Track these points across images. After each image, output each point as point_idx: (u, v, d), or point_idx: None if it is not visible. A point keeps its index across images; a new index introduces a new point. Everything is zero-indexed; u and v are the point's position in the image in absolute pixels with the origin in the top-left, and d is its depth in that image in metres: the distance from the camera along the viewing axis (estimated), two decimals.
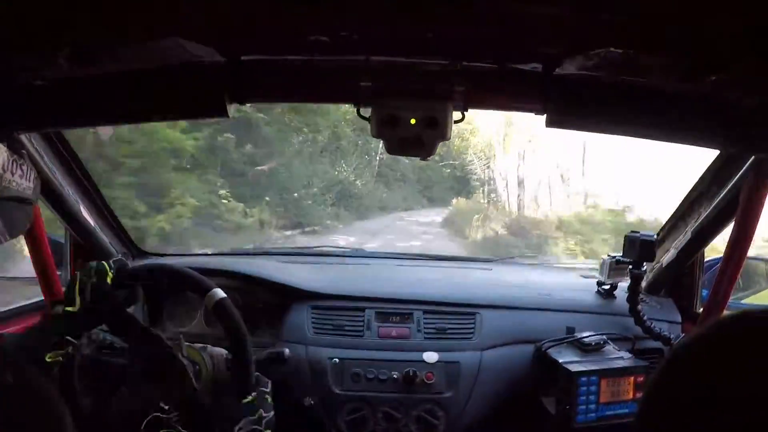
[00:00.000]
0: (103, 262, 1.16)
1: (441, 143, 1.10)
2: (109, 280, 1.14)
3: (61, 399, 0.91)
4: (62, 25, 0.82)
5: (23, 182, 1.03)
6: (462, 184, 17.85)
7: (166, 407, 1.15)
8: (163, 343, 1.16)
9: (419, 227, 12.34)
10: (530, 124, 11.15)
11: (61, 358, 1.08)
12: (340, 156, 14.12)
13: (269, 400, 1.19)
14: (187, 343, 1.22)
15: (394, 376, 1.38)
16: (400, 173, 15.87)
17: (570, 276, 1.83)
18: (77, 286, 1.12)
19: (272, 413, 1.18)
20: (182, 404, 1.16)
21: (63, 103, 1.07)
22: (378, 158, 15.26)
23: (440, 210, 15.67)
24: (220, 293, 1.17)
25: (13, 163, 0.99)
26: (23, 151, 1.14)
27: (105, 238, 1.57)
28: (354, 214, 13.06)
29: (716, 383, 0.57)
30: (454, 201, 15.22)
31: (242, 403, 1.17)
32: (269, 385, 1.22)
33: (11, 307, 1.44)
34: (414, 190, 17.34)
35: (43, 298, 1.42)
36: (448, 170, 16.33)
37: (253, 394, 1.17)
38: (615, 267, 1.54)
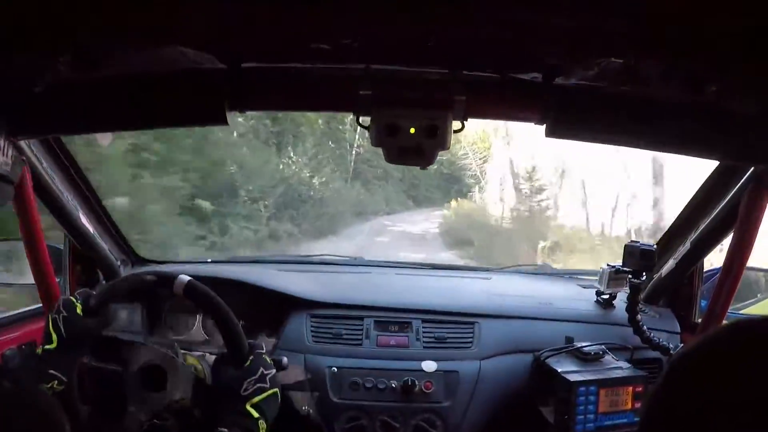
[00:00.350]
0: (70, 296, 1.17)
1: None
2: (79, 311, 1.14)
3: (60, 408, 0.92)
4: (62, 30, 0.83)
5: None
6: (451, 182, 17.41)
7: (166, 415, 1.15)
8: (155, 350, 1.15)
9: (411, 241, 10.80)
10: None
11: (55, 386, 1.08)
12: (293, 144, 11.09)
13: (268, 359, 1.18)
14: (184, 351, 1.21)
15: (393, 385, 1.38)
16: (381, 170, 14.60)
17: (569, 285, 1.82)
18: (50, 325, 1.12)
19: (274, 371, 1.17)
20: (182, 412, 1.16)
21: (62, 110, 1.07)
22: (353, 152, 13.97)
23: (428, 212, 14.88)
24: (185, 277, 1.15)
25: None
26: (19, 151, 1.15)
27: (104, 245, 1.57)
28: (311, 228, 9.82)
29: (715, 393, 0.57)
30: (453, 203, 14.61)
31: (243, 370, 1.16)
32: (264, 346, 1.21)
33: (11, 313, 1.44)
34: (398, 189, 16.15)
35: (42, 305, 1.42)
36: (435, 166, 15.61)
37: (251, 357, 1.16)
38: (614, 277, 1.54)
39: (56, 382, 1.07)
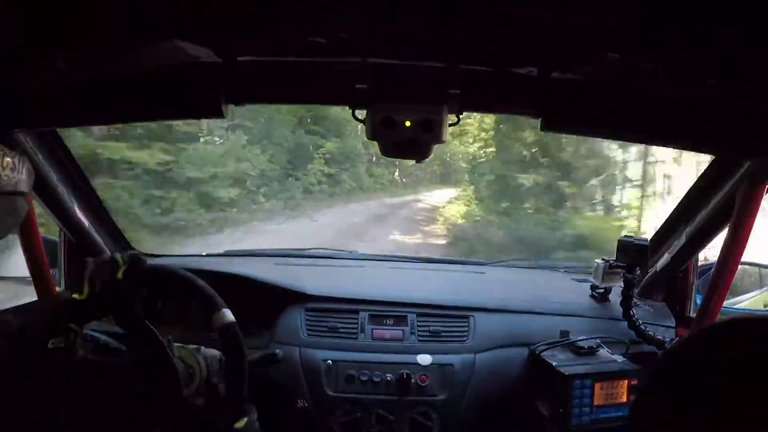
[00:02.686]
0: (118, 254, 1.14)
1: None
2: (120, 274, 1.12)
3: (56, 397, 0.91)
4: (60, 27, 0.83)
5: (15, 175, 1.02)
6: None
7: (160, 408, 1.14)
8: (161, 345, 1.15)
9: None
10: None
11: (63, 345, 1.07)
12: None
13: (257, 425, 1.19)
14: (179, 344, 1.21)
15: (388, 378, 1.38)
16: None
17: (564, 279, 1.83)
18: (87, 277, 1.11)
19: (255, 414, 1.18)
20: (175, 406, 1.16)
21: (59, 103, 1.07)
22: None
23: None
24: (230, 316, 1.14)
25: (3, 157, 0.99)
26: (16, 145, 1.14)
27: (99, 237, 1.57)
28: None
29: (707, 387, 0.58)
30: None
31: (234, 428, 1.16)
32: (255, 413, 1.21)
33: (5, 307, 1.44)
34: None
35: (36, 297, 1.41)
36: None
37: (245, 419, 1.16)
38: (608, 271, 1.54)
39: (64, 338, 1.06)
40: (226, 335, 1.14)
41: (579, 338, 1.43)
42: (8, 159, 1.00)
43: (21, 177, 1.03)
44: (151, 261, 1.60)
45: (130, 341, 1.18)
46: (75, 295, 1.09)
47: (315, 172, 12.41)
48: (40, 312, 1.13)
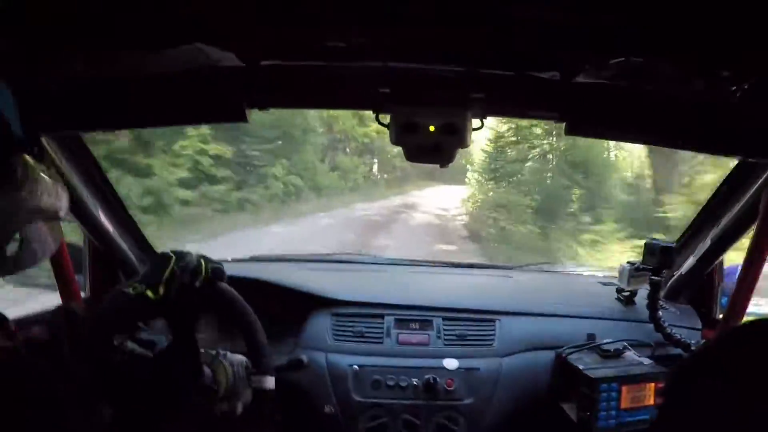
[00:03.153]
0: (202, 260, 1.15)
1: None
2: (199, 282, 1.13)
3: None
4: (83, 29, 0.82)
5: (53, 201, 1.01)
6: None
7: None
8: (199, 358, 1.16)
9: None
10: None
11: (129, 343, 1.07)
12: None
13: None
14: (204, 350, 1.21)
15: (414, 383, 1.38)
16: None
17: (590, 283, 1.82)
18: (166, 274, 1.11)
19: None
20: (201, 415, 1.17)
21: (82, 107, 1.07)
22: None
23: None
24: (271, 383, 1.16)
25: (40, 179, 0.98)
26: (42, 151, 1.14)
27: (123, 243, 1.57)
28: None
29: (733, 388, 0.57)
30: None
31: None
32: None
33: (32, 313, 1.44)
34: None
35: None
36: None
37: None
38: (634, 274, 1.53)
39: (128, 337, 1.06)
40: (261, 400, 1.16)
41: (605, 341, 1.43)
42: (47, 180, 0.98)
43: (60, 203, 1.01)
44: None
45: (162, 350, 1.18)
46: (149, 293, 1.09)
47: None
48: (111, 305, 1.12)
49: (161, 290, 1.09)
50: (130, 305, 1.09)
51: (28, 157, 0.78)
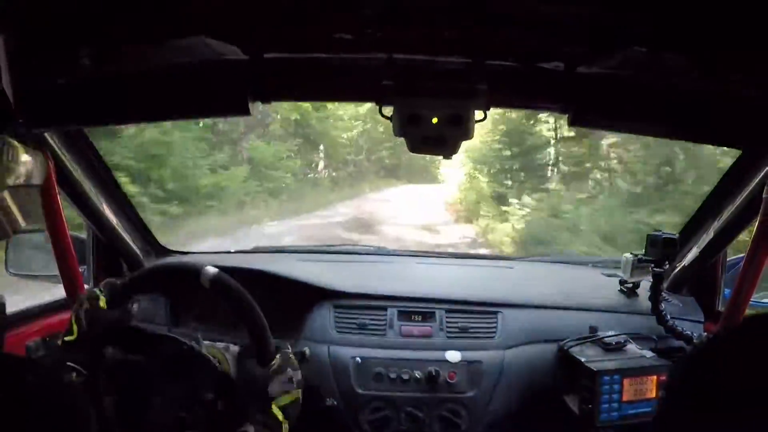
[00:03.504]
0: (94, 289, 1.18)
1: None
2: (102, 304, 1.15)
3: (86, 400, 0.92)
4: (87, 24, 0.83)
5: (28, 169, 1.04)
6: None
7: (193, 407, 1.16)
8: (179, 342, 1.16)
9: None
10: None
11: (74, 378, 1.09)
12: None
13: (294, 359, 1.19)
14: (208, 342, 1.22)
15: (417, 375, 1.38)
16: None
17: (593, 274, 1.82)
18: (73, 317, 1.14)
19: (299, 372, 1.18)
20: (209, 402, 1.17)
21: (85, 101, 1.07)
22: None
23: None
24: (212, 269, 1.15)
25: (19, 152, 1.01)
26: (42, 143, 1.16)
27: (127, 235, 1.58)
28: None
29: (738, 381, 0.57)
30: None
31: (271, 369, 1.16)
32: (290, 346, 1.23)
33: (35, 304, 1.45)
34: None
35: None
36: None
37: (277, 356, 1.16)
38: (637, 266, 1.53)
39: (75, 374, 1.08)
40: (218, 288, 1.15)
41: (607, 334, 1.43)
42: (25, 155, 1.01)
43: (35, 170, 1.04)
44: (178, 258, 1.62)
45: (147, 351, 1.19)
46: (67, 338, 1.12)
47: None
48: (41, 365, 1.16)
49: (74, 330, 1.12)
50: (58, 356, 1.13)
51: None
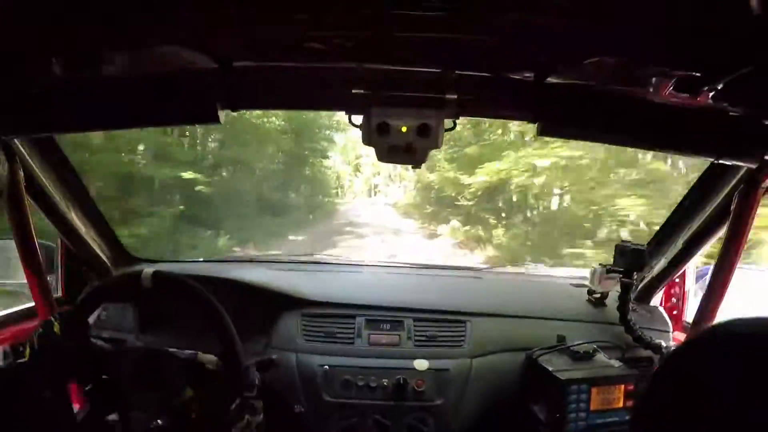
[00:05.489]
0: (51, 316, 1.19)
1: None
2: (56, 329, 1.16)
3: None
4: (58, 33, 0.83)
5: None
6: None
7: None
8: (144, 349, 1.16)
9: None
10: None
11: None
12: None
13: (257, 405, 1.19)
14: (174, 349, 1.21)
15: (384, 383, 1.38)
16: None
17: (561, 285, 1.82)
18: (28, 342, 1.16)
19: (261, 416, 1.18)
20: (176, 410, 1.16)
21: (55, 109, 1.08)
22: None
23: None
24: (149, 270, 1.16)
25: None
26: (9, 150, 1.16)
27: (95, 244, 1.57)
28: None
29: (707, 389, 0.58)
30: None
31: (230, 409, 1.17)
32: (255, 389, 1.22)
33: (2, 313, 1.44)
34: None
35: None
36: None
37: (237, 401, 1.17)
38: (605, 276, 1.54)
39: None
40: (161, 284, 1.16)
41: (575, 343, 1.43)
42: None
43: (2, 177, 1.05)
44: (146, 266, 1.61)
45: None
46: (20, 360, 1.16)
47: None
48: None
49: (27, 352, 1.15)
50: (11, 375, 1.15)
51: None
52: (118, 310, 1.52)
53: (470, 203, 10.62)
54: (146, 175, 7.86)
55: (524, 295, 1.68)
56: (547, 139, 7.21)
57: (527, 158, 8.86)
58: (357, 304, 1.54)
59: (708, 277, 1.38)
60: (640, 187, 7.35)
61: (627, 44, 0.84)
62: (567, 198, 9.08)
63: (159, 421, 1.12)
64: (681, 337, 1.54)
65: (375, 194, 30.55)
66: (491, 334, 1.49)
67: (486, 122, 9.81)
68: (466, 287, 1.78)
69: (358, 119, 1.08)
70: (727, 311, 1.35)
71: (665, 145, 1.19)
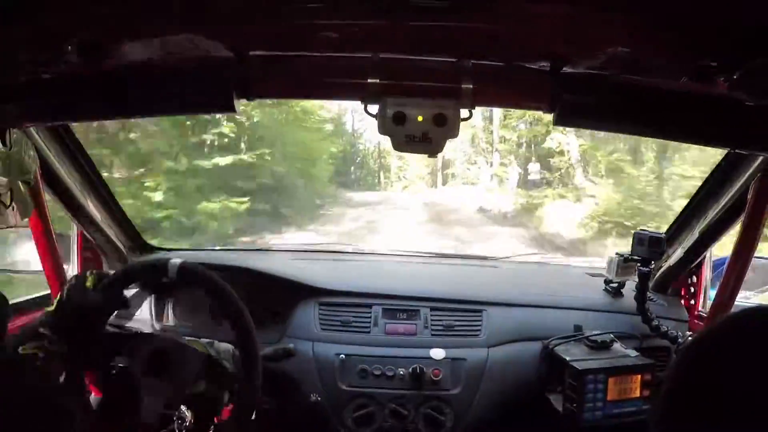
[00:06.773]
0: (87, 272, 1.19)
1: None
2: (89, 284, 1.16)
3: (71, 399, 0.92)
4: (73, 19, 0.82)
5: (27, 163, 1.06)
6: None
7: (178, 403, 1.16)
8: (160, 338, 1.16)
9: None
10: None
11: (36, 351, 1.09)
12: None
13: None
14: (191, 338, 1.22)
15: (401, 372, 1.38)
16: None
17: (578, 274, 1.82)
18: (60, 292, 1.16)
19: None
20: (194, 397, 1.17)
21: (70, 97, 1.07)
22: None
23: None
24: (177, 260, 1.17)
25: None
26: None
27: (111, 232, 1.57)
28: None
29: (727, 377, 0.57)
30: None
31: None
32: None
33: (17, 300, 1.44)
34: None
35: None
36: None
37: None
38: (623, 265, 1.53)
39: (41, 346, 1.09)
40: (187, 276, 1.17)
41: (592, 333, 1.43)
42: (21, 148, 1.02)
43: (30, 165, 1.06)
44: (162, 255, 1.62)
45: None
46: (47, 308, 1.13)
47: None
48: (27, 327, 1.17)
49: (55, 302, 1.14)
50: (38, 323, 1.13)
51: None
52: (134, 297, 1.53)
53: None
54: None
55: (541, 284, 1.67)
56: None
57: None
58: (374, 293, 1.54)
59: (724, 267, 1.38)
60: None
61: (642, 33, 0.83)
62: None
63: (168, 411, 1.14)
64: (697, 327, 1.54)
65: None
66: (508, 324, 1.49)
67: None
68: (483, 276, 1.77)
69: (373, 109, 1.07)
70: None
71: (681, 134, 1.18)
